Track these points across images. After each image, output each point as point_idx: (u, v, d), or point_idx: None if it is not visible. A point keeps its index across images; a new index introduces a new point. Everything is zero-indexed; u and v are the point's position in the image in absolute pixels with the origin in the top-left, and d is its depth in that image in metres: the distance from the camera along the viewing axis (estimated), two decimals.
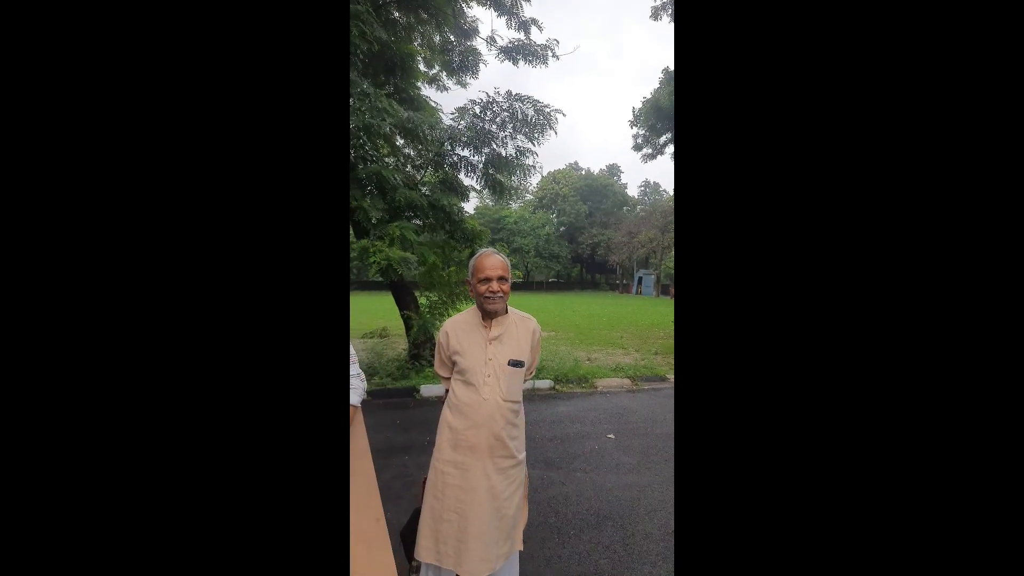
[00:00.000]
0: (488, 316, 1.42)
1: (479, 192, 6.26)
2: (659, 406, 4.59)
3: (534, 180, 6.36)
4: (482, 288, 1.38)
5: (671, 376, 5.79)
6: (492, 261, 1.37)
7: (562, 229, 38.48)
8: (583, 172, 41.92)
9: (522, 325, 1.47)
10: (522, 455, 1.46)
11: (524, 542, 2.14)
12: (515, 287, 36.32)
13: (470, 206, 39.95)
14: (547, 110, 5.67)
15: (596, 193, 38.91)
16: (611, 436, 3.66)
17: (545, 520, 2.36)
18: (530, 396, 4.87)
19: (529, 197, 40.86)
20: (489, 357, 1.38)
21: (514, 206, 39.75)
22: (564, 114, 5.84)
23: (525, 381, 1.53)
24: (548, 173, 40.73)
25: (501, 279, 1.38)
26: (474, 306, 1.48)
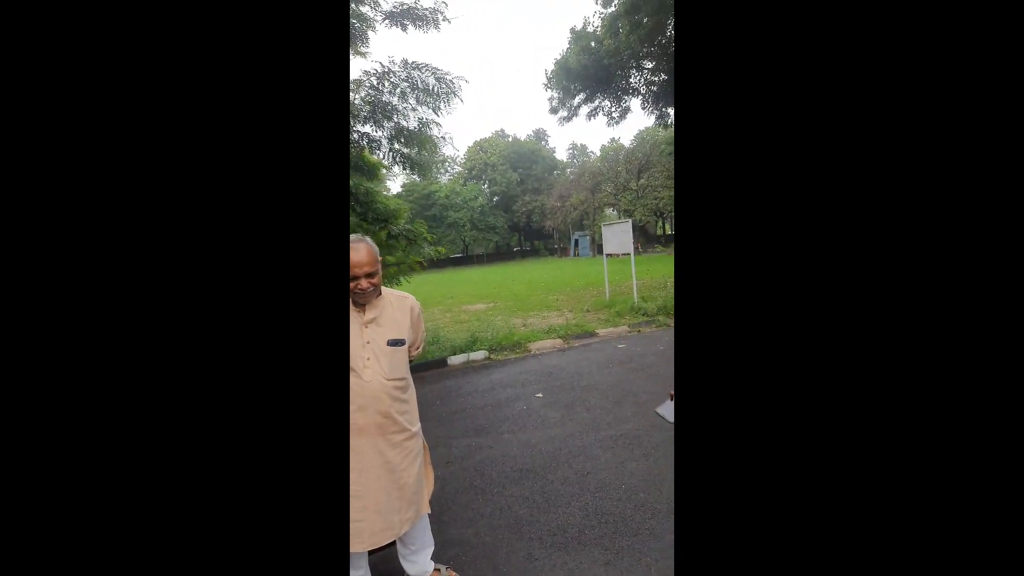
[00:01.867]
0: (360, 305, 1.43)
1: (387, 168, 6.00)
2: (586, 360, 4.82)
3: (446, 151, 6.17)
4: (351, 285, 1.36)
5: (600, 331, 6.07)
6: (355, 258, 1.34)
7: (495, 199, 38.23)
8: (510, 139, 41.50)
9: (399, 304, 1.50)
10: (416, 427, 1.50)
11: (449, 507, 2.21)
12: (455, 262, 35.91)
13: (396, 184, 38.35)
14: (448, 78, 5.48)
15: (525, 159, 38.82)
16: (539, 395, 3.81)
17: (471, 484, 2.43)
18: (465, 369, 4.92)
19: (458, 169, 39.99)
20: (367, 340, 1.40)
21: (443, 179, 38.78)
22: (467, 81, 5.67)
23: (413, 358, 1.57)
24: (474, 142, 39.93)
25: (368, 275, 1.36)
26: None
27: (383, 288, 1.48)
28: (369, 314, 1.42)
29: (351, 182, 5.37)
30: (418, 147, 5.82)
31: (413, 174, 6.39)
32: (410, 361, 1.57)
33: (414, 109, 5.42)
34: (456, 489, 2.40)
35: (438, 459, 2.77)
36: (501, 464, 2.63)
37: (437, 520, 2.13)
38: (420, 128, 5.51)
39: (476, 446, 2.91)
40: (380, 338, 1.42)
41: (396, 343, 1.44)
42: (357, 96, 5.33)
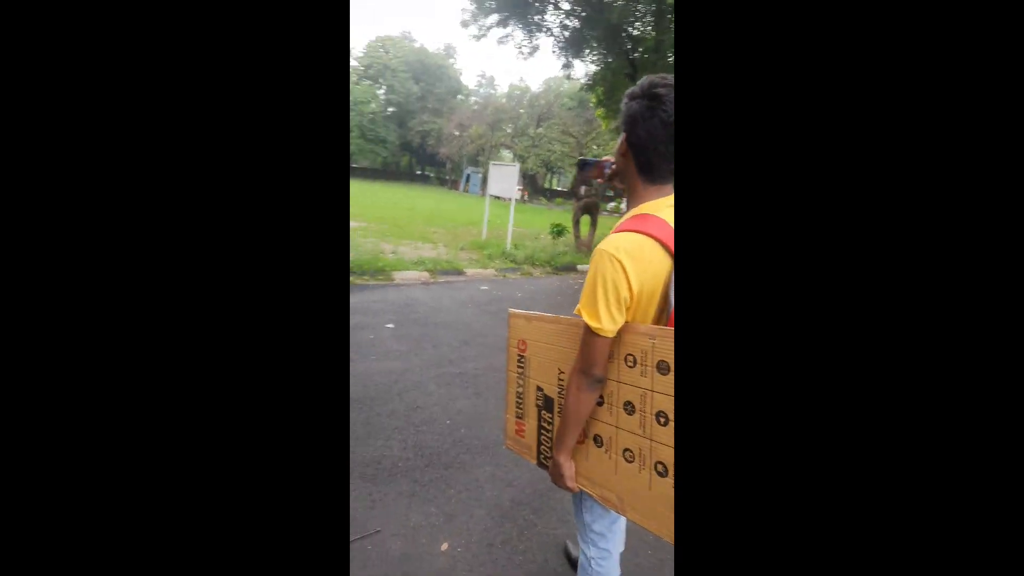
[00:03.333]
0: None
1: None
2: (448, 297, 4.83)
3: None
4: None
5: (469, 270, 6.11)
6: None
7: (390, 110, 34.69)
8: (417, 45, 37.30)
9: None
10: None
11: None
12: None
13: None
14: None
15: (430, 73, 35.53)
16: (390, 326, 3.71)
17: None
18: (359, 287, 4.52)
19: (353, 63, 34.91)
20: None
21: None
22: None
23: None
24: (376, 38, 35.00)
25: None
26: None
27: None
28: None
29: None
30: None
31: None
32: None
33: None
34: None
35: None
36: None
37: None
38: None
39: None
40: None
41: None
42: None
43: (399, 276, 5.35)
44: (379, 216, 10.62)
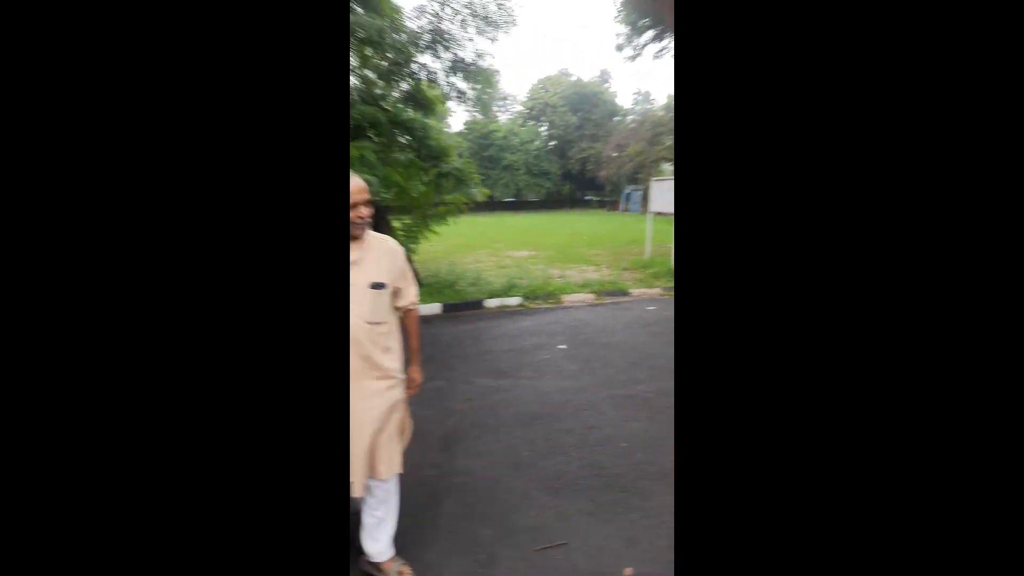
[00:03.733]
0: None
1: (443, 104, 5.92)
2: (613, 318, 4.84)
3: (505, 88, 5.93)
4: (351, 215, 1.33)
5: (633, 290, 6.01)
6: (354, 185, 1.32)
7: (552, 144, 36.77)
8: (573, 79, 38.99)
9: (382, 247, 1.47)
10: (400, 376, 1.50)
11: (461, 440, 2.43)
12: (507, 206, 35.47)
13: (458, 120, 37.46)
14: (507, 4, 5.18)
15: (586, 102, 36.55)
16: (562, 347, 3.92)
17: (484, 421, 2.64)
18: (498, 313, 5.10)
19: (519, 108, 38.43)
20: (351, 283, 1.37)
21: (503, 119, 37.53)
22: (523, 5, 5.36)
23: (402, 306, 1.54)
24: (538, 81, 37.88)
25: (367, 203, 1.36)
26: None
27: (368, 230, 1.44)
28: (354, 255, 1.38)
29: (409, 116, 5.37)
30: (475, 81, 5.68)
31: (470, 110, 6.29)
32: (402, 310, 1.54)
33: (471, 40, 5.23)
34: (470, 424, 2.62)
35: (459, 395, 3.00)
36: (514, 407, 2.81)
37: (450, 449, 2.36)
38: (476, 60, 5.35)
39: (495, 388, 3.10)
40: (362, 280, 1.39)
41: (378, 286, 1.41)
42: (417, 24, 5.18)
43: (567, 299, 5.61)
44: (546, 244, 11.30)
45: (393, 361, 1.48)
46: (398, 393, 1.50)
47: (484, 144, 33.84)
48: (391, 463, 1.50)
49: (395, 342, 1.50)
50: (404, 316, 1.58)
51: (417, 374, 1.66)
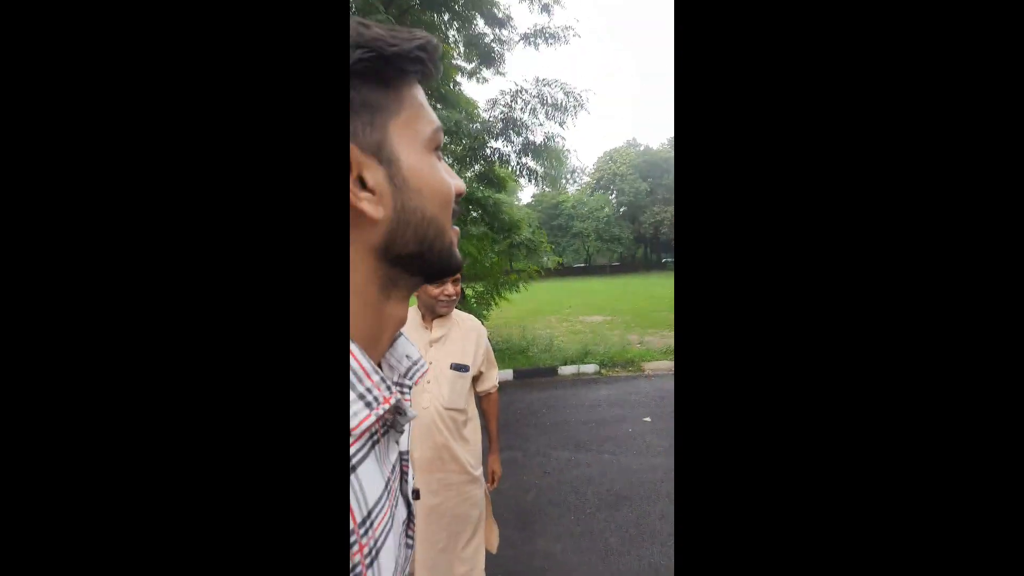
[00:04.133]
0: (432, 316, 1.33)
1: (515, 181, 6.33)
2: None
3: (573, 163, 6.28)
4: (435, 292, 1.28)
5: None
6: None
7: (622, 210, 37.23)
8: (641, 148, 40.09)
9: (466, 326, 1.38)
10: (478, 471, 1.33)
11: (540, 518, 2.23)
12: (577, 272, 35.80)
13: (527, 194, 39.74)
14: (576, 91, 5.58)
15: (656, 168, 37.07)
16: (647, 419, 3.60)
17: (565, 499, 2.43)
18: (574, 381, 4.90)
19: (586, 179, 39.99)
20: (429, 361, 1.28)
21: (571, 190, 39.16)
22: (595, 92, 5.71)
23: (484, 390, 1.43)
24: (604, 153, 39.53)
25: (456, 281, 1.31)
26: (415, 306, 1.39)
27: (454, 308, 1.36)
28: (436, 332, 1.31)
29: (482, 194, 5.80)
30: (545, 160, 6.03)
31: (540, 186, 6.64)
32: (481, 396, 1.43)
33: (541, 124, 5.64)
34: (549, 501, 2.41)
35: (535, 469, 2.82)
36: (598, 485, 2.56)
37: (527, 528, 2.17)
38: (546, 142, 5.71)
39: (575, 462, 2.88)
40: (444, 360, 1.28)
41: (460, 368, 1.30)
42: (491, 114, 5.75)
43: (649, 366, 5.26)
44: (621, 309, 10.98)
45: (471, 455, 1.31)
46: (477, 491, 1.32)
47: (553, 214, 35.17)
48: (476, 566, 1.29)
49: (474, 433, 1.35)
50: (483, 400, 1.46)
51: (497, 465, 1.49)
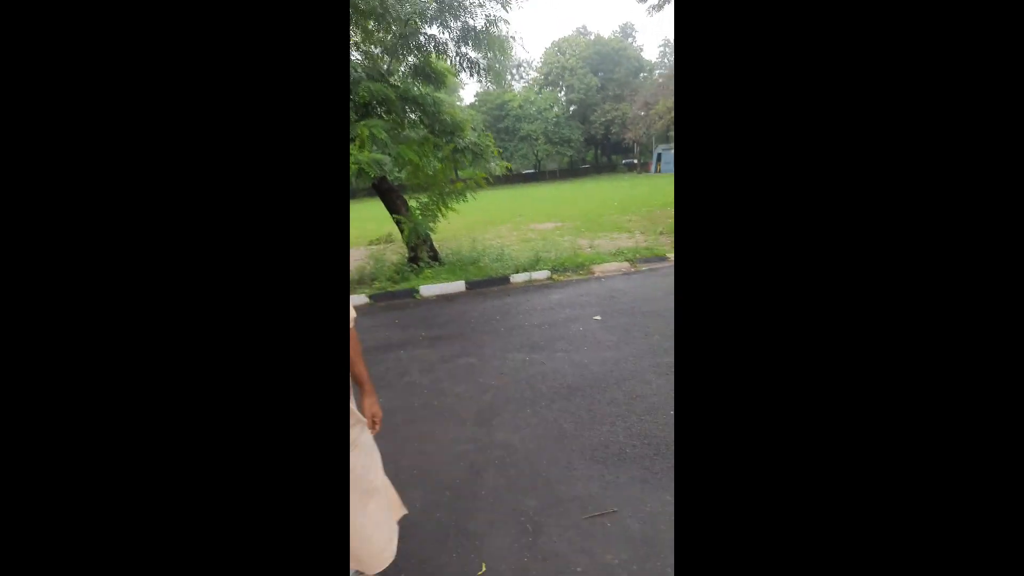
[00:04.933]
0: None
1: (454, 75, 5.71)
2: (651, 285, 4.64)
3: (519, 55, 5.69)
4: None
5: (671, 255, 5.75)
6: None
7: (572, 109, 35.53)
8: (592, 37, 37.18)
9: None
10: (359, 416, 1.24)
11: (498, 414, 2.38)
12: (526, 178, 34.96)
13: (469, 92, 36.71)
14: None
15: (607, 61, 34.88)
16: (597, 318, 3.79)
17: (521, 395, 2.58)
18: (526, 288, 4.99)
19: (533, 75, 37.22)
20: None
21: (518, 87, 36.48)
22: None
23: None
24: (552, 43, 36.39)
25: None
26: None
27: None
28: None
29: (419, 91, 5.22)
30: (487, 50, 5.42)
31: (483, 81, 6.07)
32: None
33: (481, 6, 4.97)
34: (506, 399, 2.56)
35: (493, 371, 2.94)
36: (552, 380, 2.73)
37: (487, 424, 2.32)
38: (488, 27, 5.08)
39: (530, 361, 3.03)
40: None
41: None
42: None
43: (599, 269, 5.43)
44: (571, 214, 11.01)
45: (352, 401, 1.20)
46: (367, 438, 1.23)
47: (499, 115, 33.09)
48: (379, 546, 1.23)
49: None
50: None
51: (377, 408, 1.30)
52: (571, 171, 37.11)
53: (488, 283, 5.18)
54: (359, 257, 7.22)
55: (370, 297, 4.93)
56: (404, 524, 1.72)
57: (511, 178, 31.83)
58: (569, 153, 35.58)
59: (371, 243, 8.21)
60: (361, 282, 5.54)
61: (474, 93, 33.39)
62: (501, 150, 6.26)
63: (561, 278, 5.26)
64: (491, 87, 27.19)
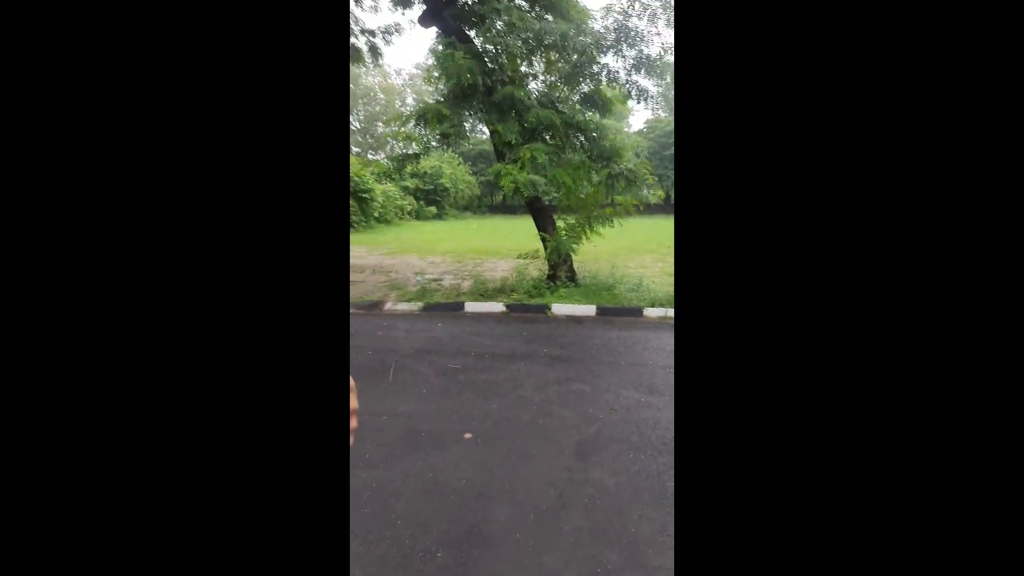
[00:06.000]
0: None
1: (622, 103, 5.74)
2: None
3: None
4: None
5: None
6: None
7: None
8: None
9: None
10: None
11: (598, 451, 2.28)
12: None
13: (639, 119, 36.19)
14: None
15: None
16: None
17: (627, 437, 2.45)
18: (658, 324, 4.70)
19: None
20: None
21: None
22: None
23: None
24: None
25: None
26: None
27: None
28: None
29: (584, 118, 5.40)
30: (659, 78, 5.33)
31: (653, 109, 5.98)
32: None
33: (658, 34, 4.91)
34: (610, 437, 2.45)
35: (603, 404, 2.84)
36: (663, 430, 2.52)
37: (585, 459, 2.25)
38: (662, 55, 4.99)
39: (645, 404, 2.85)
40: None
41: None
42: (604, 23, 5.13)
43: None
44: None
45: None
46: None
47: (667, 143, 31.85)
48: None
49: None
50: None
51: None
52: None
53: (620, 312, 5.03)
54: (505, 268, 7.73)
55: (506, 306, 5.24)
56: (486, 531, 1.79)
57: (668, 208, 30.22)
58: None
59: (519, 256, 8.70)
60: (502, 291, 5.93)
61: (644, 120, 32.84)
62: (661, 177, 6.02)
63: None
64: (662, 114, 26.38)
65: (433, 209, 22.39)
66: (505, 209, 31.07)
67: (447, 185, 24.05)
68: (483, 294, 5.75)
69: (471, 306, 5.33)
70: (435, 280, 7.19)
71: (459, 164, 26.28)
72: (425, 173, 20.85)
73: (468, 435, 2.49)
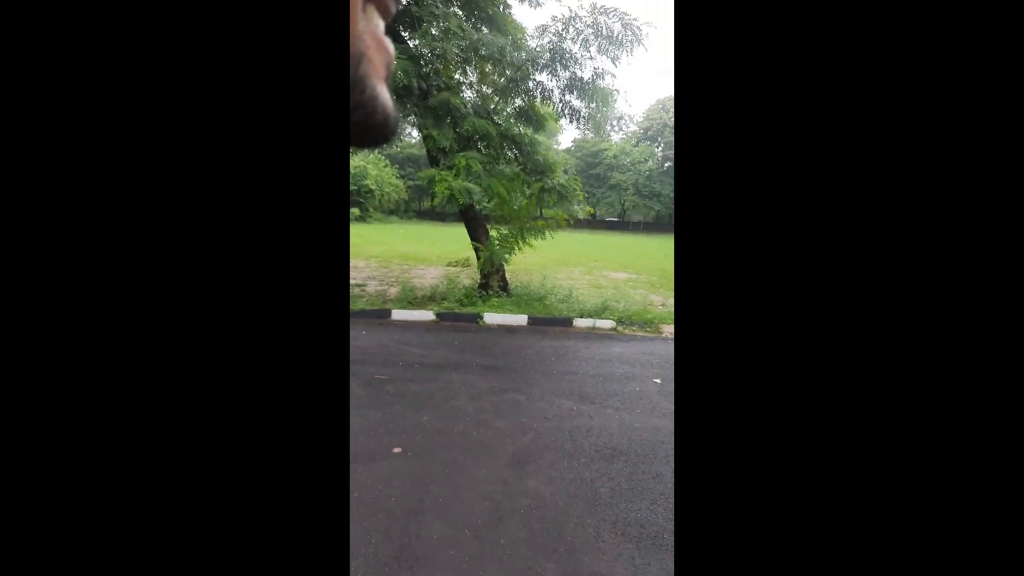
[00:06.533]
0: None
1: (555, 121, 5.95)
2: None
3: (621, 107, 5.84)
4: None
5: None
6: None
7: (667, 165, 35.23)
8: None
9: None
10: None
11: (534, 459, 2.29)
12: (610, 226, 34.84)
13: (567, 137, 37.99)
14: (636, 23, 5.04)
15: None
16: (657, 381, 3.57)
17: (561, 445, 2.47)
18: (587, 334, 4.88)
19: (633, 128, 37.70)
20: None
21: (616, 138, 37.08)
22: (655, 27, 5.14)
23: None
24: (657, 101, 36.78)
25: None
26: None
27: None
28: None
29: (519, 131, 5.50)
30: (589, 100, 5.61)
31: (582, 129, 6.28)
32: None
33: (591, 58, 5.18)
34: (545, 446, 2.46)
35: (536, 414, 2.86)
36: (596, 437, 2.59)
37: (521, 468, 2.23)
38: (594, 79, 5.27)
39: (577, 412, 2.91)
40: None
41: None
42: (539, 43, 5.30)
43: (668, 329, 5.16)
44: (649, 268, 10.70)
45: None
46: None
47: (592, 162, 33.62)
48: None
49: None
50: None
51: None
52: (656, 225, 36.37)
53: (551, 322, 5.14)
54: (434, 275, 7.56)
55: (436, 315, 5.11)
56: (418, 550, 1.68)
57: (595, 224, 31.77)
58: (657, 207, 35.00)
59: (449, 264, 8.58)
60: (432, 299, 5.78)
61: (572, 139, 34.48)
62: (588, 195, 6.34)
63: (626, 331, 5.07)
64: (590, 135, 27.90)
65: (356, 211, 21.41)
66: (434, 216, 30.64)
67: (371, 187, 23.12)
68: (412, 301, 5.57)
69: (398, 314, 5.13)
70: (359, 286, 6.84)
71: (386, 166, 25.44)
72: None
73: (397, 449, 2.35)
